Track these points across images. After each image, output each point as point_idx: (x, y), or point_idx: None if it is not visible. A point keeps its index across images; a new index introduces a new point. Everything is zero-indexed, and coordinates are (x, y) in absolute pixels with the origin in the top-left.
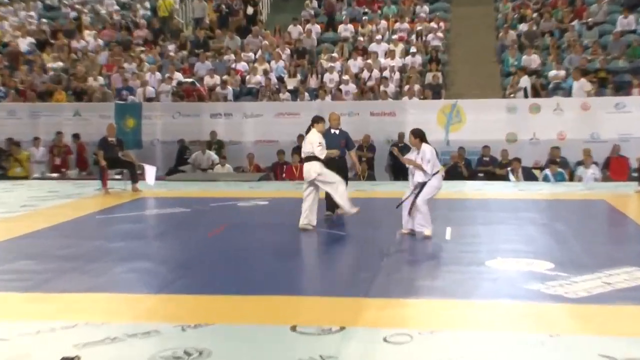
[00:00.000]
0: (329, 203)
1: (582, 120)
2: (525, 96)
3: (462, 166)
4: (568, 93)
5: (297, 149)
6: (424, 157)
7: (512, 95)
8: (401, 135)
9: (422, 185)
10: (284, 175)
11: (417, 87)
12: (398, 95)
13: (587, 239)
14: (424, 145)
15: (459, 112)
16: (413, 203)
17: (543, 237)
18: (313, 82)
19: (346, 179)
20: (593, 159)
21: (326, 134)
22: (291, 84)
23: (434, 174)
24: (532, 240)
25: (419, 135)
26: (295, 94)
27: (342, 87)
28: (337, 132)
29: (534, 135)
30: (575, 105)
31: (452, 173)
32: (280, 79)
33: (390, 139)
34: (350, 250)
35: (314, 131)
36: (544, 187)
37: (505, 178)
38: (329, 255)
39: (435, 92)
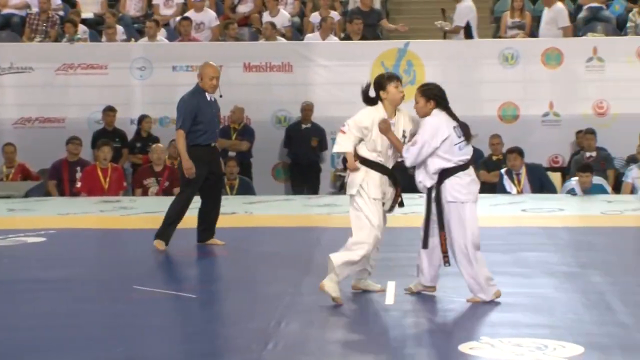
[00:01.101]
0: (203, 226)
1: (638, 80)
2: (468, 36)
3: None
4: (614, 28)
5: (104, 135)
6: (417, 138)
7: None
8: (307, 109)
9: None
10: (77, 185)
11: (334, 15)
12: (298, 32)
13: None
14: (435, 115)
15: (412, 64)
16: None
17: (567, 299)
18: (132, 5)
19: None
20: None
21: (201, 103)
22: (89, 8)
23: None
24: (546, 304)
25: (435, 97)
26: (97, 28)
27: (190, 15)
28: (213, 99)
29: (551, 107)
30: (626, 49)
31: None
32: (69, 0)
33: (285, 116)
34: (197, 332)
35: (376, 108)
36: (568, 204)
37: (497, 187)
38: (145, 345)
39: (368, 26)
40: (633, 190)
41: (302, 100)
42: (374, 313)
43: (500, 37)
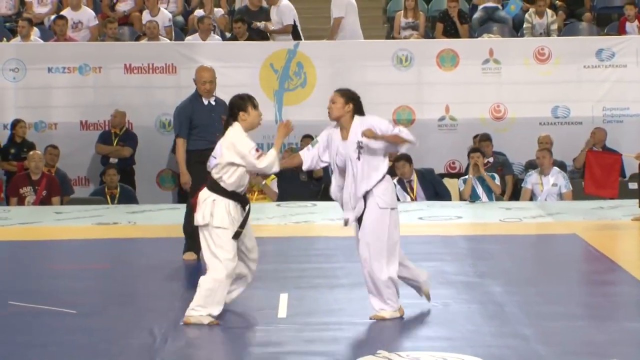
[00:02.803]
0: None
1: (536, 83)
2: (297, 36)
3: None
4: (511, 29)
5: None
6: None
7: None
8: None
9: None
10: None
11: (218, 12)
12: (182, 32)
13: (544, 310)
14: (360, 117)
15: (302, 65)
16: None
17: (465, 310)
18: (3, 3)
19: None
20: (555, 159)
21: (196, 107)
22: None
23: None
24: (444, 315)
25: (354, 100)
26: None
27: (66, 14)
28: (214, 102)
29: (448, 111)
30: (523, 51)
31: (295, 184)
32: None
33: (170, 120)
34: (78, 349)
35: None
36: (466, 212)
37: None
38: None
39: (251, 26)
40: (532, 197)
41: None
42: (266, 328)
43: (393, 38)
